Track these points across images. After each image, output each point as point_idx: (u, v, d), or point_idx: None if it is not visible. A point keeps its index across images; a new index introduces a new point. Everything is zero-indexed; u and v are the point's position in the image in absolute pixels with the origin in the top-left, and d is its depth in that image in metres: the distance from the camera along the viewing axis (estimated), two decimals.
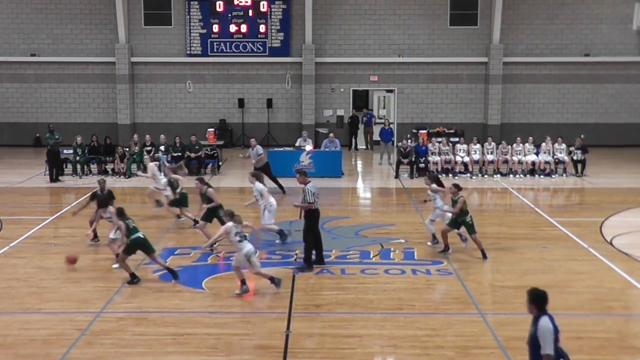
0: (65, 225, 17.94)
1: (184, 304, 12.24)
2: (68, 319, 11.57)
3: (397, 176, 24.79)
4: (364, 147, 32.53)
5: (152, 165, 19.47)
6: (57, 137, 25.08)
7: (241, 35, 32.26)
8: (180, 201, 17.49)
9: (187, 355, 10.25)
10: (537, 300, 7.81)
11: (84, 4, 32.38)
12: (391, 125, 29.47)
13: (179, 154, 25.41)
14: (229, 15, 32.10)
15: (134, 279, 13.24)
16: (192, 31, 32.31)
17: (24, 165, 27.04)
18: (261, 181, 16.36)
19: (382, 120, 31.36)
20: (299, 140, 26.29)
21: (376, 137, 30.80)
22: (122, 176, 24.74)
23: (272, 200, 16.11)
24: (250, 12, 32.05)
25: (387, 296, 12.68)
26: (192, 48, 32.43)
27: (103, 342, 10.68)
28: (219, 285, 13.44)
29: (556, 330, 7.72)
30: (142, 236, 13.29)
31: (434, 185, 15.71)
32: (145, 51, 32.57)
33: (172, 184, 17.58)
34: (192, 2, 32.08)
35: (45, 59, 32.54)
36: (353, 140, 32.39)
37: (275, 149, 26.84)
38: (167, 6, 32.44)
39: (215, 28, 32.16)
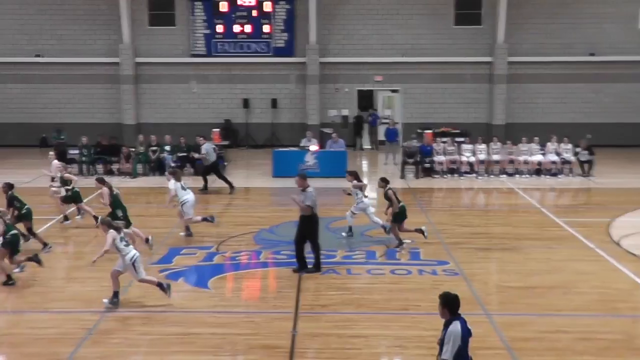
0: (71, 224, 17.99)
1: (190, 304, 12.24)
2: (74, 318, 11.58)
3: (402, 176, 24.75)
4: (369, 147, 32.50)
5: (55, 163, 19.58)
6: (62, 137, 25.12)
7: (245, 36, 32.26)
8: (73, 198, 18.02)
9: (193, 355, 10.25)
10: (449, 305, 7.84)
11: (88, 5, 32.42)
12: (396, 125, 29.44)
13: (184, 154, 25.43)
14: (233, 15, 32.10)
15: (9, 281, 13.20)
16: (196, 31, 32.32)
17: (30, 166, 26.94)
18: (177, 179, 16.57)
19: (387, 120, 31.34)
20: (303, 140, 26.30)
21: (381, 137, 30.78)
22: (127, 176, 24.73)
23: (189, 196, 16.47)
24: (254, 13, 32.05)
25: (393, 296, 12.65)
26: (196, 48, 32.43)
27: (109, 341, 10.69)
28: (224, 285, 13.47)
29: (467, 335, 7.74)
30: (17, 232, 13.67)
31: (355, 182, 16.40)
32: (149, 51, 32.58)
33: (65, 182, 18.04)
34: (196, 3, 32.09)
35: (49, 59, 32.58)
36: (358, 140, 32.36)
37: (280, 149, 26.81)
38: (171, 7, 32.47)
39: (219, 28, 32.17)
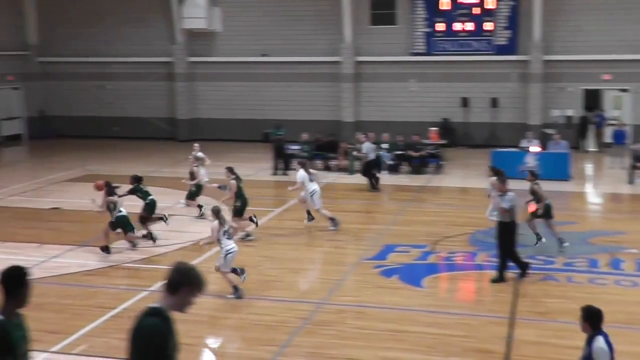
0: (289, 217, 18.56)
1: (403, 301, 12.21)
2: (291, 308, 11.94)
3: (630, 181, 23.20)
4: (594, 149, 30.80)
5: (194, 154, 20.41)
6: (280, 133, 26.16)
7: (466, 34, 31.74)
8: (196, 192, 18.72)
9: (405, 352, 10.20)
10: (592, 319, 7.29)
11: (312, 5, 33.40)
12: (625, 127, 27.71)
13: (402, 152, 25.48)
14: (455, 13, 31.71)
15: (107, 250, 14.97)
16: (416, 30, 32.29)
17: (253, 160, 28.21)
18: (306, 170, 17.05)
19: (615, 122, 29.60)
20: (524, 141, 25.44)
21: (608, 139, 29.11)
22: (344, 172, 25.20)
23: (316, 187, 16.99)
24: (476, 10, 31.45)
25: (617, 309, 11.78)
26: (415, 47, 32.42)
27: (323, 332, 10.91)
28: (438, 285, 13.33)
29: (611, 350, 7.16)
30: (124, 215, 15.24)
31: (494, 179, 14.88)
32: (369, 50, 32.96)
33: (193, 176, 18.63)
34: (417, 1, 32.04)
35: (274, 59, 33.96)
36: (582, 142, 30.78)
37: (499, 149, 26.08)
38: (392, 6, 32.65)
39: (440, 27, 31.88)
